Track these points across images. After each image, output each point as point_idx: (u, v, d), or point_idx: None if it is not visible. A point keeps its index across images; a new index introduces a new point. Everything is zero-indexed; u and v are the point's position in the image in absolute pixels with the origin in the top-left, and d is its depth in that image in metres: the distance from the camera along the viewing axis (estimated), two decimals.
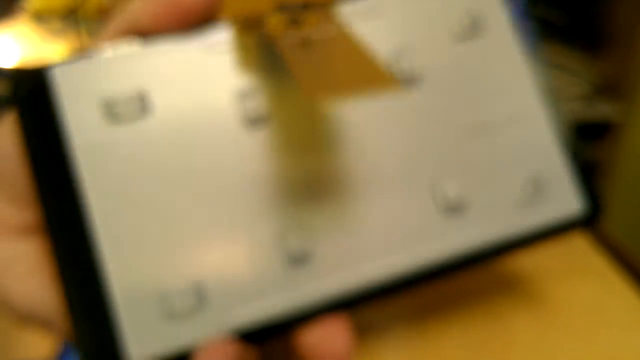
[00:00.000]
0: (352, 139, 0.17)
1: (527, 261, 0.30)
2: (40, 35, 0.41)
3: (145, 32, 0.17)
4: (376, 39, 0.18)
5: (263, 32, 0.17)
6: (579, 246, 0.31)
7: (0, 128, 0.17)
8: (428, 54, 0.18)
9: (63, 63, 0.17)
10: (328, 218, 0.17)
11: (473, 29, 0.19)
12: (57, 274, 0.16)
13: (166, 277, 0.16)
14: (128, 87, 0.17)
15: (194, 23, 0.17)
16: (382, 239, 0.17)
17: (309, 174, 0.17)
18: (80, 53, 0.17)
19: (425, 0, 0.19)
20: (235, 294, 0.16)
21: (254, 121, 0.17)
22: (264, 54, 0.17)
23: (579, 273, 0.29)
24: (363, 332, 0.27)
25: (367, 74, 0.16)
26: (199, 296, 0.16)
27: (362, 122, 0.18)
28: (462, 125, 0.18)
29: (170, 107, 0.17)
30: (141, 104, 0.17)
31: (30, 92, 0.17)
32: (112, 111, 0.17)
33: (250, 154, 0.17)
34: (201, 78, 0.17)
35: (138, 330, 0.15)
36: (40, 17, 0.41)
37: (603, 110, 0.60)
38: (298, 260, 0.16)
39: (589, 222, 0.18)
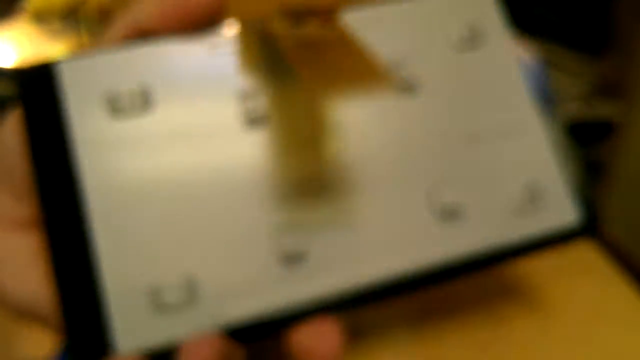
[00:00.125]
0: (351, 143, 0.18)
1: (527, 262, 0.30)
2: (40, 35, 0.41)
3: (151, 32, 0.17)
4: (377, 47, 0.18)
5: (267, 34, 0.17)
6: (579, 246, 0.31)
7: (5, 123, 0.17)
8: (427, 63, 0.19)
9: (69, 58, 0.17)
10: (324, 219, 0.17)
11: (472, 40, 0.19)
12: (50, 263, 0.16)
13: (159, 270, 0.16)
14: (131, 83, 0.17)
15: (199, 24, 0.17)
16: (377, 242, 0.17)
17: (307, 175, 0.17)
18: (85, 50, 0.17)
19: (425, 12, 0.19)
20: (227, 291, 0.16)
21: (254, 121, 0.17)
22: (267, 55, 0.18)
23: (579, 273, 0.29)
24: (362, 336, 0.27)
25: (367, 74, 0.16)
26: (191, 291, 0.16)
27: (361, 126, 0.18)
28: (460, 134, 0.18)
29: (171, 104, 0.17)
30: (144, 100, 0.17)
31: (36, 85, 0.17)
32: (114, 106, 0.17)
33: (249, 153, 0.17)
34: (203, 77, 0.17)
35: (127, 321, 0.15)
36: (40, 17, 0.41)
37: (603, 110, 0.60)
38: (293, 259, 0.16)
39: (585, 233, 0.18)
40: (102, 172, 0.16)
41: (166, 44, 0.17)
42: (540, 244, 0.18)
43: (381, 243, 0.17)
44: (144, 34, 0.17)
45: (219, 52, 0.17)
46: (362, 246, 0.17)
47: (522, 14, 0.27)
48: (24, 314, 0.16)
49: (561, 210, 0.18)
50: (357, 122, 0.18)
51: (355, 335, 0.27)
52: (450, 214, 0.17)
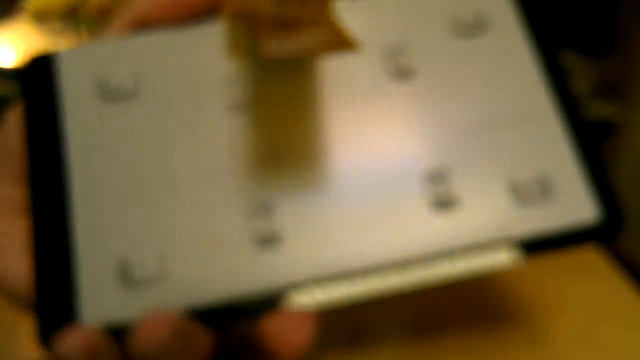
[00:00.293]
0: (340, 130, 0.18)
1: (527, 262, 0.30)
2: (40, 35, 0.41)
3: (149, 24, 0.18)
4: (374, 31, 0.18)
5: (254, 18, 0.17)
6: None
7: (11, 113, 0.18)
8: (428, 49, 0.18)
9: (69, 49, 0.18)
10: (304, 203, 0.17)
11: (477, 26, 0.19)
12: (30, 231, 0.16)
13: (130, 244, 0.16)
14: (122, 71, 0.18)
15: (196, 16, 0.18)
16: (362, 229, 0.16)
17: (291, 160, 0.17)
18: (85, 42, 0.19)
19: None
20: (198, 271, 0.16)
21: (238, 106, 0.18)
22: (255, 44, 0.18)
23: (579, 273, 0.29)
24: (360, 342, 0.27)
25: (326, 35, 0.16)
26: (160, 268, 0.16)
27: (354, 112, 0.18)
28: (460, 121, 0.18)
29: (159, 90, 0.18)
30: (132, 87, 0.18)
31: (36, 72, 0.18)
32: (105, 91, 0.18)
33: (228, 137, 0.17)
34: (191, 65, 0.18)
35: (95, 293, 0.16)
36: (40, 17, 0.41)
37: (603, 110, 0.60)
38: (267, 242, 0.16)
39: (606, 233, 0.16)
40: (89, 148, 0.17)
41: (159, 35, 0.18)
42: (553, 240, 0.17)
43: (367, 230, 0.16)
44: (143, 26, 0.18)
45: (208, 42, 0.18)
46: (344, 232, 0.16)
47: None
48: (24, 300, 0.16)
49: (577, 205, 0.17)
50: (346, 109, 0.18)
51: (351, 344, 0.27)
52: (446, 204, 0.17)
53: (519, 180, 0.17)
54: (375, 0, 0.19)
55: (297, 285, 0.16)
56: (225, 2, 0.17)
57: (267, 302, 0.16)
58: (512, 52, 0.19)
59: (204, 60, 0.18)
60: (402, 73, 0.18)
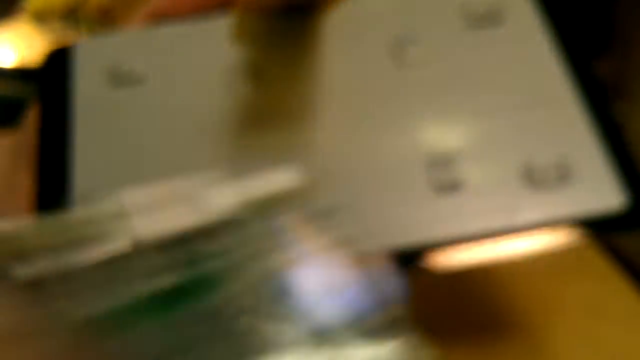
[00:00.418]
0: (347, 114, 0.18)
1: (526, 262, 0.30)
2: (40, 35, 0.41)
3: (166, 17, 0.19)
4: (387, 22, 0.19)
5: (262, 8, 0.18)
6: (579, 245, 0.31)
7: (33, 110, 0.19)
8: (439, 38, 0.19)
9: (86, 40, 0.20)
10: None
11: (491, 17, 0.19)
12: (33, 191, 0.18)
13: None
14: (133, 58, 0.19)
15: (211, 10, 0.19)
16: (368, 216, 0.17)
17: (299, 146, 0.18)
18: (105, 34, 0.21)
19: None
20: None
21: (239, 90, 0.19)
22: (262, 33, 0.19)
23: (579, 273, 0.29)
24: None
25: None
26: None
27: (363, 99, 0.18)
28: (473, 105, 0.18)
29: (165, 76, 0.19)
30: (142, 72, 0.19)
31: (53, 62, 0.20)
32: (115, 76, 0.19)
33: (228, 114, 0.18)
34: (198, 53, 0.19)
35: None
36: (40, 17, 0.41)
37: None
38: None
39: (633, 220, 0.15)
40: (94, 124, 0.19)
41: (170, 27, 0.19)
42: (574, 222, 0.16)
43: (372, 218, 0.16)
44: (160, 19, 0.20)
45: (216, 33, 0.19)
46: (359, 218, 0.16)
47: None
48: None
49: (600, 191, 0.16)
50: (352, 94, 0.18)
51: None
52: (453, 186, 0.16)
53: (534, 164, 0.16)
54: None
55: None
56: None
57: None
58: (529, 40, 0.18)
59: (210, 49, 0.19)
60: (411, 61, 0.18)
